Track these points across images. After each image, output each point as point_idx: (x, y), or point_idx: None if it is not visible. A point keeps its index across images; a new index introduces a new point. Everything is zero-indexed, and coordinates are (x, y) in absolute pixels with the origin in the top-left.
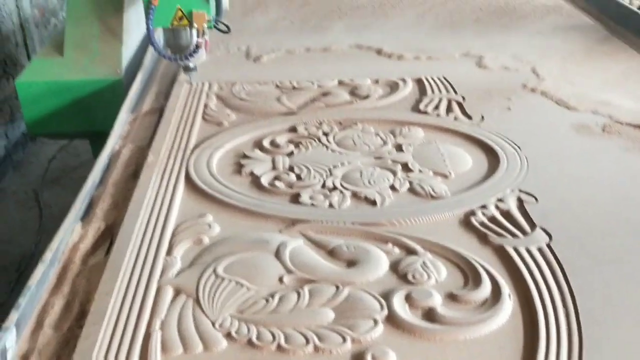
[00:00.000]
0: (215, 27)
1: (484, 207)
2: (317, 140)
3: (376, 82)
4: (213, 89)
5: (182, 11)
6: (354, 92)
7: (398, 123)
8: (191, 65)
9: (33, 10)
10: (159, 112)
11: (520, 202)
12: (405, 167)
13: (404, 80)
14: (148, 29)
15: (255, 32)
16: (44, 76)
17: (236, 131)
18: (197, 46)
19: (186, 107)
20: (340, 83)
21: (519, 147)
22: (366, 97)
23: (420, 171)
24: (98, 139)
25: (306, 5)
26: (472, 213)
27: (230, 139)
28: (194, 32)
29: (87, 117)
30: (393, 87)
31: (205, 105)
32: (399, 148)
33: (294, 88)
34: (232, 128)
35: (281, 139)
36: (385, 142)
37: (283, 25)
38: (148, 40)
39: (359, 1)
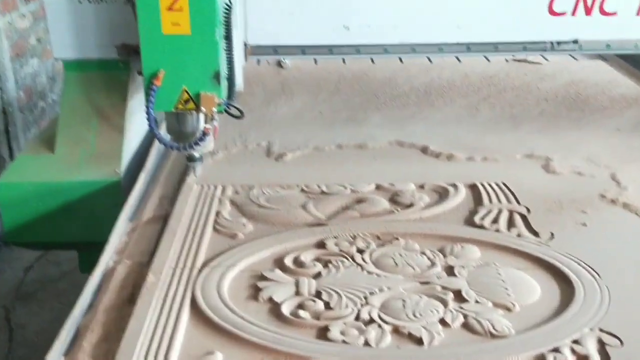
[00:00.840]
0: (226, 111)
1: (556, 350)
2: (350, 258)
3: (421, 187)
4: (227, 194)
5: (188, 93)
6: (394, 199)
7: (448, 239)
8: (196, 155)
9: (18, 92)
10: (162, 220)
11: (601, 345)
12: (459, 296)
13: (454, 186)
14: (148, 113)
15: (278, 124)
16: (30, 176)
17: (253, 246)
18: (205, 133)
19: (195, 215)
20: (379, 188)
21: (598, 274)
22: (409, 205)
23: (476, 302)
24: (87, 249)
25: (338, 93)
26: (542, 358)
27: (246, 256)
28: (201, 117)
29: (78, 225)
30: (442, 194)
31: (217, 213)
32: (450, 271)
33: (322, 193)
34: (248, 242)
35: (307, 257)
36: (433, 263)
37: (311, 117)
38: (148, 126)
39: (400, 89)
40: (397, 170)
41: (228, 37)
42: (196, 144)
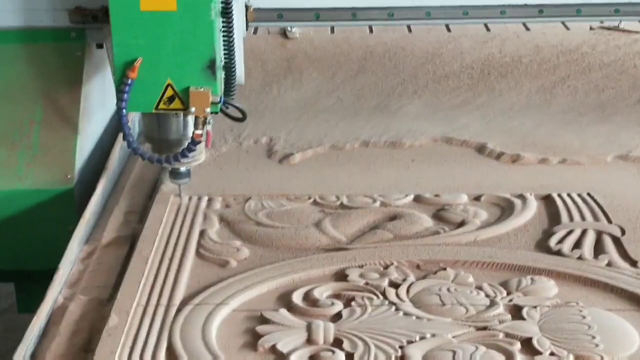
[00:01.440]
0: (223, 112)
1: None
2: (380, 295)
3: (476, 199)
4: (214, 207)
5: (173, 88)
6: (440, 215)
7: (514, 270)
8: (182, 169)
9: None
10: (128, 243)
11: None
12: (528, 347)
13: (522, 198)
14: (120, 114)
15: (282, 114)
16: None
17: (250, 277)
18: (194, 141)
19: (172, 236)
20: (418, 200)
21: None
22: (461, 224)
23: (552, 354)
24: (28, 282)
25: (363, 72)
26: None
27: (241, 291)
28: (190, 120)
29: (15, 249)
30: (505, 208)
31: (202, 233)
32: (516, 313)
33: (342, 207)
34: (243, 272)
35: (322, 292)
36: (493, 302)
37: (326, 105)
38: (120, 129)
39: (447, 67)
40: (443, 176)
41: (227, 13)
42: (183, 155)
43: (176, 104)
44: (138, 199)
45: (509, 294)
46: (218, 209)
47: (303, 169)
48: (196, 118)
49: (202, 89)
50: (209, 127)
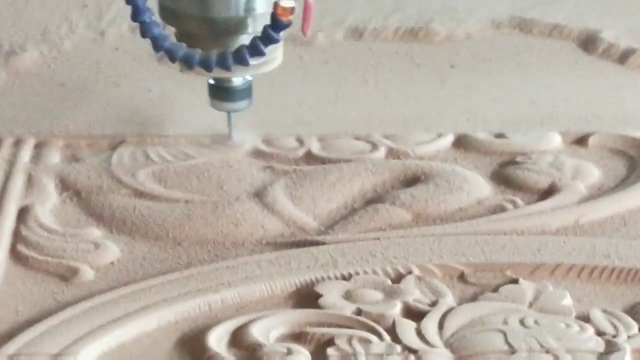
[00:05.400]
0: None
1: None
2: (384, 333)
3: (579, 141)
4: (47, 160)
5: None
6: (507, 174)
7: None
8: (238, 81)
9: None
10: None
11: None
12: None
13: None
14: None
15: None
16: None
17: (121, 301)
18: (278, 22)
19: None
20: (464, 144)
21: None
22: (548, 191)
23: None
24: None
25: None
26: None
27: (102, 330)
28: None
29: None
30: (638, 160)
31: (23, 214)
32: None
33: (309, 158)
34: (107, 290)
35: (268, 330)
36: (611, 346)
37: None
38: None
39: None
40: (510, 96)
41: None
42: (254, 51)
43: None
44: None
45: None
46: (56, 165)
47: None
48: None
49: None
50: None
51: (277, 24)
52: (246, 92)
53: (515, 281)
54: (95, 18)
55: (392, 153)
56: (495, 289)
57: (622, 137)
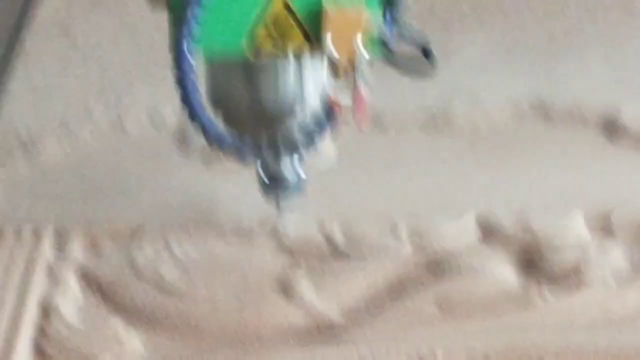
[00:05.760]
0: (387, 56)
1: None
2: None
3: (604, 226)
4: (69, 254)
5: (289, 7)
6: (534, 262)
7: None
8: (294, 174)
9: None
10: None
11: None
12: None
13: None
14: (180, 57)
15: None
16: None
17: None
18: (330, 111)
19: None
20: (489, 231)
21: None
22: (576, 280)
23: None
24: None
25: None
26: None
27: None
28: (316, 69)
29: None
30: None
31: (47, 311)
32: None
33: (334, 251)
34: None
35: None
36: None
37: None
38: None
39: None
40: (534, 181)
41: None
42: (307, 141)
43: (293, 34)
44: None
45: None
46: (78, 258)
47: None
48: (335, 67)
49: (351, 11)
50: (362, 87)
51: (329, 113)
52: (298, 182)
53: None
54: (114, 106)
55: (416, 241)
56: None
57: None
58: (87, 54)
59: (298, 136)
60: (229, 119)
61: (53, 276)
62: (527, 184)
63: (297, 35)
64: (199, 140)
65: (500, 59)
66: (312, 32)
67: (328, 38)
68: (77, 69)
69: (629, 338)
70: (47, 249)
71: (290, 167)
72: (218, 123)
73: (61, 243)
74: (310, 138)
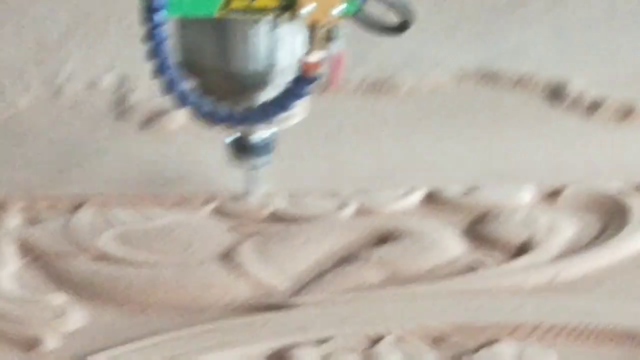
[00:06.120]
0: (362, 16)
1: None
2: None
3: (552, 195)
4: (7, 223)
5: None
6: (479, 230)
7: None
8: (262, 137)
9: None
10: None
11: None
12: None
13: None
14: (151, 21)
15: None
16: None
17: None
18: (306, 76)
19: None
20: (436, 200)
21: None
22: (523, 247)
23: None
24: None
25: None
26: None
27: None
28: (291, 32)
29: None
30: (612, 213)
31: None
32: None
33: (276, 218)
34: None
35: None
36: None
37: None
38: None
39: None
40: (480, 150)
41: None
42: (280, 105)
43: None
44: None
45: None
46: (16, 228)
47: (192, 139)
48: (311, 29)
49: None
50: (338, 49)
51: (305, 78)
52: (268, 146)
53: (493, 342)
54: (51, 74)
55: (361, 211)
56: (475, 351)
57: (595, 191)
58: (20, 20)
59: (272, 105)
60: (202, 84)
61: None
62: (473, 151)
63: None
64: (137, 106)
65: (447, 29)
66: None
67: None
68: (11, 35)
69: (574, 304)
70: None
71: (261, 135)
72: (193, 92)
73: (0, 211)
74: (284, 106)
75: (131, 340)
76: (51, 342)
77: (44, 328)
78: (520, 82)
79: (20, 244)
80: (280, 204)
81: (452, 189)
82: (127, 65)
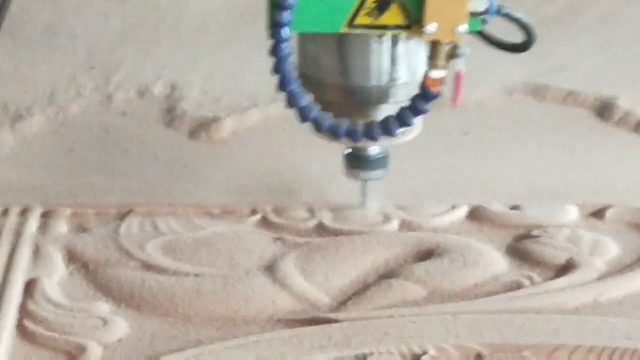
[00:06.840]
0: (486, 34)
1: None
2: None
3: (596, 213)
4: (54, 230)
5: None
6: (523, 248)
7: None
8: (375, 151)
9: None
10: None
11: None
12: None
13: None
14: (277, 38)
15: (194, 38)
16: None
17: None
18: (427, 92)
19: None
20: (479, 217)
21: None
22: (566, 267)
23: None
24: None
25: None
26: None
27: None
28: (415, 50)
29: None
30: None
31: (30, 287)
32: None
33: (321, 231)
34: None
35: None
36: None
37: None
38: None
39: None
40: (525, 167)
41: None
42: (400, 121)
43: (394, 15)
44: None
45: None
46: (64, 236)
47: (239, 149)
48: (434, 46)
49: None
50: (459, 66)
51: (426, 94)
52: (383, 160)
53: None
54: (103, 80)
55: (405, 225)
56: None
57: None
58: (74, 26)
59: (393, 120)
60: (319, 98)
61: (38, 255)
62: (519, 166)
63: (398, 15)
64: (187, 114)
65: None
66: (413, 12)
67: (429, 18)
68: (64, 41)
69: (617, 326)
70: (33, 227)
71: (375, 149)
72: (315, 107)
73: (47, 221)
74: (406, 122)
75: (172, 350)
76: (95, 351)
77: (88, 337)
78: (568, 98)
79: (68, 252)
80: (325, 217)
81: (496, 206)
82: (178, 72)
